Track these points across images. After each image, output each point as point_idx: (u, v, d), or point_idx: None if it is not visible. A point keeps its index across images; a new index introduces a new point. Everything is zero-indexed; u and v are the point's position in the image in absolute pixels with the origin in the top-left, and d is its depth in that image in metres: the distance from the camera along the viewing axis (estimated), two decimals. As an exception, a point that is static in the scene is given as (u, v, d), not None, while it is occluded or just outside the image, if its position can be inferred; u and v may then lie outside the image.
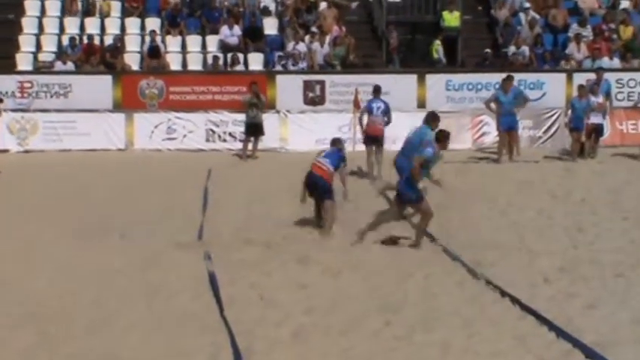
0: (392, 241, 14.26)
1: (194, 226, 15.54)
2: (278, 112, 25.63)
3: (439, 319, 10.50)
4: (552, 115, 25.98)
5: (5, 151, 24.82)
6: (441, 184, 14.71)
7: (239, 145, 24.63)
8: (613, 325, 10.14)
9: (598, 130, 24.00)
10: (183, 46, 28.01)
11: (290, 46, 27.46)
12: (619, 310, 10.73)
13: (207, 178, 20.36)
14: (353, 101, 23.51)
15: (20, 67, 26.79)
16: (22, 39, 27.51)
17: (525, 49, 27.91)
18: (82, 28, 28.22)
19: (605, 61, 27.44)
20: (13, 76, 25.84)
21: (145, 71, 26.73)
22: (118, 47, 27.36)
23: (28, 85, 25.64)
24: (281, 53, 27.47)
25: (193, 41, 28.07)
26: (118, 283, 12.18)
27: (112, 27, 28.41)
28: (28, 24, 28.02)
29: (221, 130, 25.53)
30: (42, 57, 27.11)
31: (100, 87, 25.66)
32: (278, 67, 27.19)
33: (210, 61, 27.29)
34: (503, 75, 23.99)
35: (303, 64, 27.19)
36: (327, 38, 27.80)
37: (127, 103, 25.70)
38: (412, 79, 26.56)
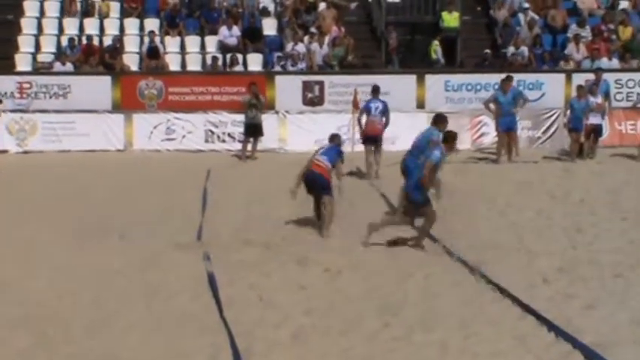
0: (398, 242, 14.22)
1: (193, 226, 15.54)
2: (277, 112, 25.65)
3: (438, 320, 10.50)
4: (551, 116, 26.00)
5: (4, 151, 24.83)
6: (439, 197, 14.77)
7: (238, 146, 24.65)
8: (612, 326, 10.14)
9: (597, 130, 24.02)
10: (182, 46, 28.01)
11: (289, 46, 27.47)
12: (618, 310, 10.73)
13: (207, 178, 20.37)
14: (352, 102, 23.52)
15: (19, 67, 26.80)
16: (21, 39, 27.52)
17: (524, 49, 27.93)
18: (81, 28, 28.23)
19: (604, 62, 27.47)
20: (12, 77, 25.85)
21: (144, 72, 26.75)
22: (117, 48, 27.38)
23: (27, 85, 25.64)
24: (280, 54, 27.49)
25: (192, 42, 28.07)
26: (117, 283, 12.18)
27: (111, 28, 28.43)
28: (27, 25, 28.03)
29: (220, 131, 25.54)
30: (41, 58, 27.12)
31: (99, 88, 25.68)
32: (277, 68, 27.21)
33: (209, 61, 27.30)
34: (503, 75, 24.03)
35: (302, 65, 27.21)
36: (326, 39, 27.81)
37: (126, 104, 25.71)
38: (411, 79, 26.58)
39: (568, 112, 24.14)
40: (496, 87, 24.41)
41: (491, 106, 23.32)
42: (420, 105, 26.23)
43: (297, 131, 25.22)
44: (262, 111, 24.36)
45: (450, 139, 14.48)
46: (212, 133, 25.54)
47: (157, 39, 27.48)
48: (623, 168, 22.21)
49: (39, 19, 28.27)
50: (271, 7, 29.28)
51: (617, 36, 28.71)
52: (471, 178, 20.49)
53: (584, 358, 9.14)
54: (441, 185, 15.30)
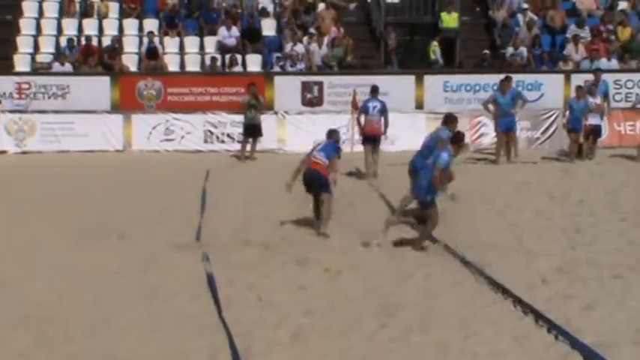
0: (403, 242, 14.19)
1: (192, 227, 15.53)
2: (276, 113, 25.66)
3: (438, 320, 10.50)
4: (550, 116, 26.01)
5: (3, 152, 24.84)
6: (455, 199, 14.73)
7: (237, 147, 24.66)
8: (611, 326, 10.14)
9: (596, 131, 24.02)
10: (181, 47, 28.02)
11: (288, 47, 27.48)
12: (617, 311, 10.73)
13: (206, 179, 20.37)
14: (351, 102, 23.53)
15: (18, 68, 26.81)
16: (19, 40, 27.52)
17: (523, 50, 27.93)
18: (79, 29, 28.23)
19: (603, 62, 27.47)
20: (11, 77, 25.87)
21: (143, 72, 26.75)
22: (116, 48, 27.39)
23: (26, 86, 25.65)
24: (279, 54, 27.50)
25: (191, 42, 28.08)
26: (117, 284, 12.17)
27: (110, 28, 28.42)
28: (26, 25, 28.04)
29: (219, 132, 25.55)
30: (40, 58, 27.13)
31: (97, 88, 25.69)
32: (276, 69, 27.23)
33: (208, 62, 27.31)
34: (501, 76, 24.02)
35: (301, 66, 27.21)
36: (326, 39, 27.82)
37: (125, 104, 25.72)
38: (410, 80, 26.60)
39: (567, 112, 24.15)
40: (495, 88, 24.39)
41: (490, 106, 23.33)
42: (419, 106, 26.25)
43: (296, 132, 25.22)
44: (261, 111, 24.37)
45: (458, 139, 14.51)
46: (211, 133, 25.55)
47: (156, 39, 27.49)
48: (622, 169, 22.22)
49: (38, 20, 28.28)
50: (270, 8, 29.29)
51: (616, 36, 28.72)
52: (470, 179, 20.41)
53: (584, 358, 9.14)
54: (453, 178, 15.14)
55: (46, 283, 12.22)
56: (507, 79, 23.48)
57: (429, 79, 26.67)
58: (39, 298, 11.49)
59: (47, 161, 23.52)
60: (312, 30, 28.04)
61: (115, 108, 25.71)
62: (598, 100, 24.18)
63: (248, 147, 24.22)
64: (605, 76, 25.24)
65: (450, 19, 28.46)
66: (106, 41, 27.75)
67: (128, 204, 17.77)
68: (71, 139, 25.02)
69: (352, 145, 22.43)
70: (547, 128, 25.98)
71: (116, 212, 16.90)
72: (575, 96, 23.91)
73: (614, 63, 27.86)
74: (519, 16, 29.23)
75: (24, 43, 27.49)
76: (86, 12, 28.71)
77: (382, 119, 21.01)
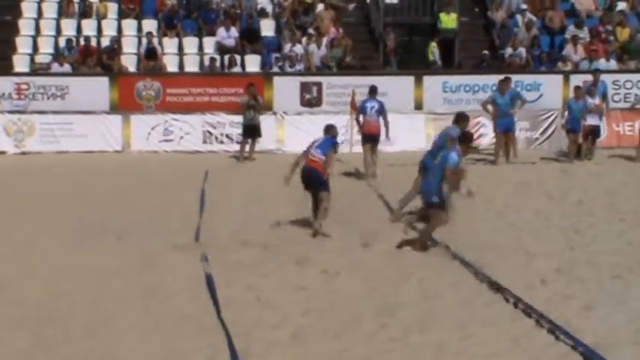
0: (406, 244, 14.18)
1: (191, 227, 15.53)
2: (275, 113, 25.67)
3: (436, 321, 10.50)
4: (549, 117, 26.03)
5: (2, 152, 24.83)
6: (472, 194, 14.66)
7: (236, 147, 24.66)
8: (610, 327, 10.14)
9: (595, 131, 24.03)
10: (180, 47, 28.02)
11: (287, 47, 27.48)
12: (616, 311, 10.73)
13: (204, 179, 20.38)
14: (350, 103, 23.53)
15: (17, 68, 26.82)
16: (18, 40, 27.52)
17: (522, 50, 27.95)
18: (78, 29, 28.24)
19: (602, 63, 27.47)
20: (10, 78, 25.88)
21: (142, 73, 26.76)
22: (115, 49, 27.39)
23: (25, 86, 25.65)
24: (278, 55, 27.50)
25: (190, 43, 28.08)
26: (115, 284, 12.17)
27: (109, 29, 28.43)
28: (25, 25, 28.04)
29: (218, 132, 25.55)
30: (39, 59, 27.14)
31: (96, 89, 25.69)
32: (275, 69, 27.23)
33: (207, 62, 27.32)
34: (500, 77, 24.02)
35: (300, 66, 27.22)
36: (324, 40, 27.82)
37: (124, 105, 25.73)
38: (409, 80, 26.60)
39: (566, 113, 24.15)
40: (494, 88, 24.38)
41: (489, 107, 23.33)
42: (418, 106, 26.25)
43: (294, 132, 25.19)
44: (260, 112, 24.37)
45: (466, 139, 14.50)
46: (210, 134, 25.55)
47: (155, 40, 27.49)
48: (621, 169, 22.23)
49: (36, 20, 28.28)
50: (269, 8, 29.29)
51: (614, 37, 28.73)
52: (469, 179, 20.44)
53: (583, 359, 9.13)
54: (465, 177, 15.12)
55: (46, 283, 12.22)
56: (506, 80, 23.49)
57: (428, 80, 26.68)
58: (38, 298, 11.49)
59: (46, 162, 23.52)
60: (311, 30, 28.04)
61: (114, 108, 25.71)
62: (597, 100, 24.18)
63: (247, 147, 24.22)
64: (603, 77, 25.23)
65: (448, 20, 28.47)
66: (105, 42, 27.76)
67: (127, 204, 17.77)
68: (70, 139, 25.03)
69: (351, 146, 22.42)
70: (546, 129, 25.99)
71: (115, 213, 16.90)
72: (574, 96, 23.92)
73: (613, 63, 27.86)
74: (518, 17, 29.23)
75: (23, 44, 27.49)
76: (85, 12, 28.72)
77: (380, 119, 21.00)
